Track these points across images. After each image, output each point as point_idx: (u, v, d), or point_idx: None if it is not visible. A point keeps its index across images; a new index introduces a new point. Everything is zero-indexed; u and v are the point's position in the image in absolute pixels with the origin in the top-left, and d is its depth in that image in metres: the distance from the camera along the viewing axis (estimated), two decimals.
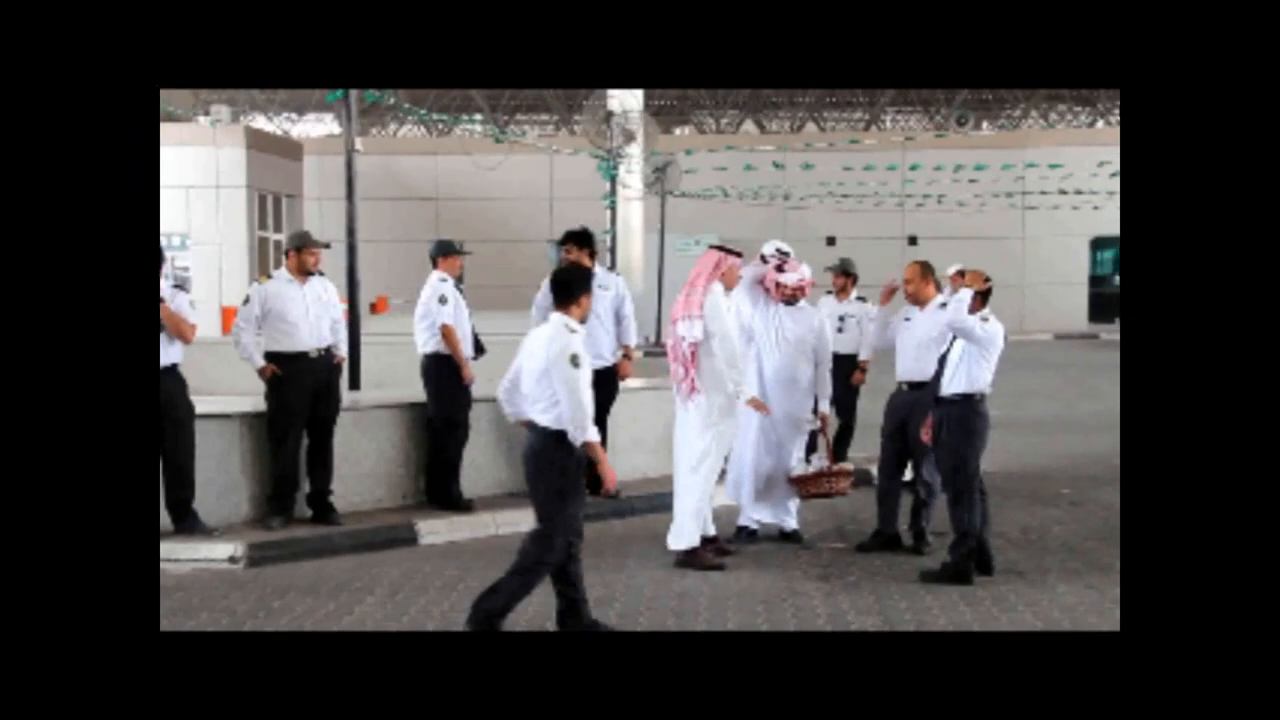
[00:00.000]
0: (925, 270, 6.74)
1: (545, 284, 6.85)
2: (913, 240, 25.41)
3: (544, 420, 4.77)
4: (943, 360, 6.08)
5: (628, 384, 8.50)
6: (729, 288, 6.37)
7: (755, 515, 6.81)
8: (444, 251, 7.25)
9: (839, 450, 8.27)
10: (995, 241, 24.82)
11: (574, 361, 4.71)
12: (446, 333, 7.05)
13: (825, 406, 6.83)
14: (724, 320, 6.18)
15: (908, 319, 6.74)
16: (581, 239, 7.42)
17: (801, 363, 6.74)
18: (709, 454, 6.22)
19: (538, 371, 4.80)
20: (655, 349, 20.66)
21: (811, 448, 7.24)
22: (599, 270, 7.48)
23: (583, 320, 4.93)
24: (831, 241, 24.33)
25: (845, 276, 8.75)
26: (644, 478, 8.18)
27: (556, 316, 4.92)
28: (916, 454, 6.64)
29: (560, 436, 4.72)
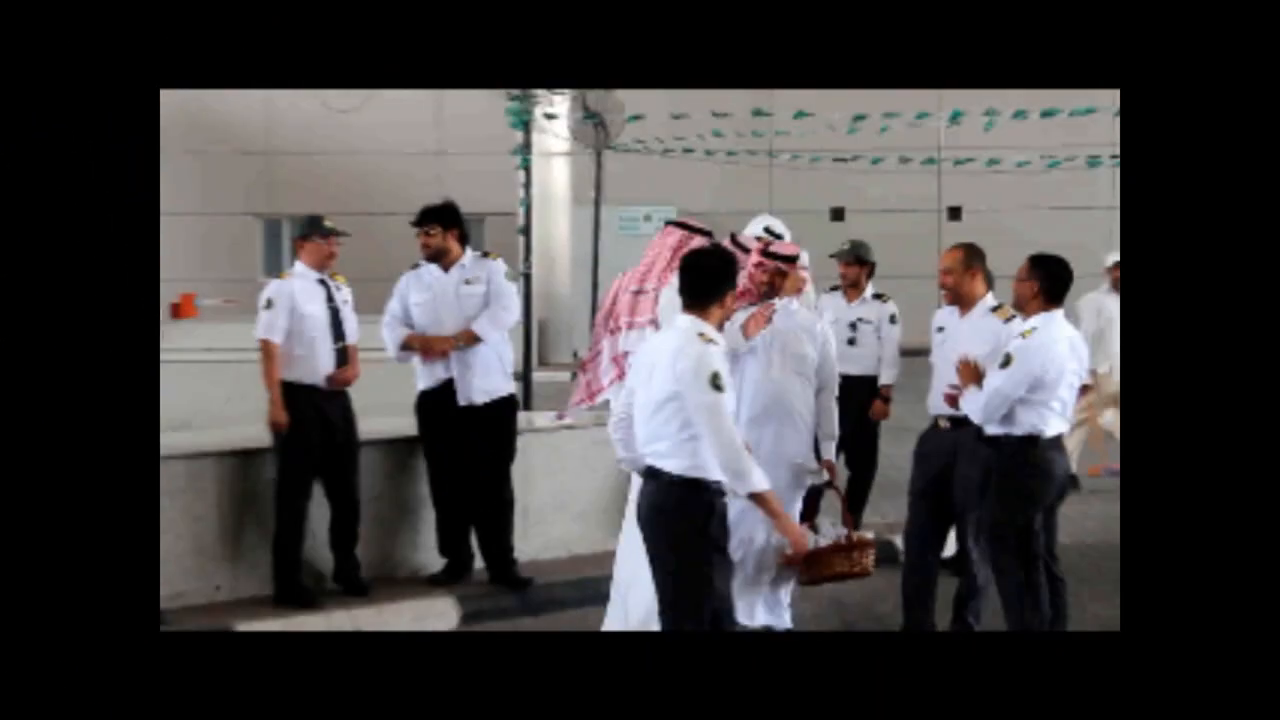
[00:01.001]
0: (971, 257, 6.51)
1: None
2: (954, 213, 25.26)
3: (670, 465, 4.80)
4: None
5: (542, 421, 8.54)
6: None
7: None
8: (302, 233, 7.26)
9: (852, 516, 8.13)
10: (1075, 213, 24.74)
11: (715, 383, 4.74)
12: (264, 352, 7.01)
13: (831, 451, 6.71)
14: None
15: (941, 328, 6.65)
16: (445, 217, 7.47)
17: (796, 389, 6.59)
18: None
19: (659, 399, 4.82)
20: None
21: (812, 509, 7.16)
22: (469, 256, 7.49)
23: (721, 325, 4.91)
24: (838, 215, 23.82)
25: (858, 265, 8.69)
26: (569, 555, 8.22)
27: (685, 321, 4.92)
28: (961, 518, 6.52)
29: (695, 487, 4.76)
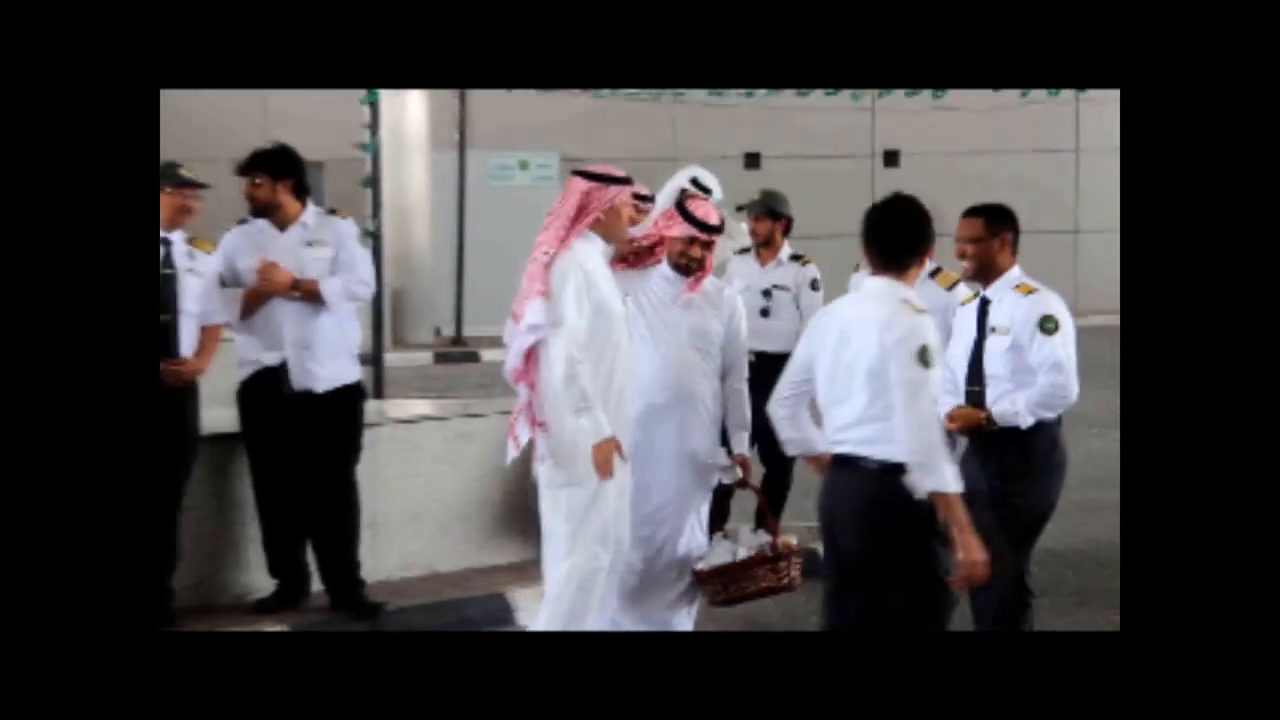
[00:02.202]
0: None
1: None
2: (890, 158, 25.37)
3: (875, 451, 4.94)
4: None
5: (396, 411, 8.60)
6: (614, 242, 6.30)
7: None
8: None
9: (774, 505, 8.28)
10: (1038, 157, 24.74)
11: (924, 358, 4.89)
12: None
13: (744, 444, 6.69)
14: (571, 301, 6.01)
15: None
16: (275, 165, 7.32)
17: (699, 371, 6.58)
18: (581, 537, 6.07)
19: (859, 374, 4.96)
20: (455, 348, 20.63)
21: (722, 514, 7.19)
22: (311, 213, 7.37)
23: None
24: (753, 162, 24.11)
25: (771, 220, 8.67)
26: (429, 573, 8.19)
27: (882, 286, 5.06)
28: None
29: (905, 475, 4.89)
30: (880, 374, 4.92)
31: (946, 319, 6.42)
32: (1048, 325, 6.00)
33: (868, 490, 4.96)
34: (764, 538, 6.38)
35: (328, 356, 7.30)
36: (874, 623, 5.00)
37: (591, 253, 6.14)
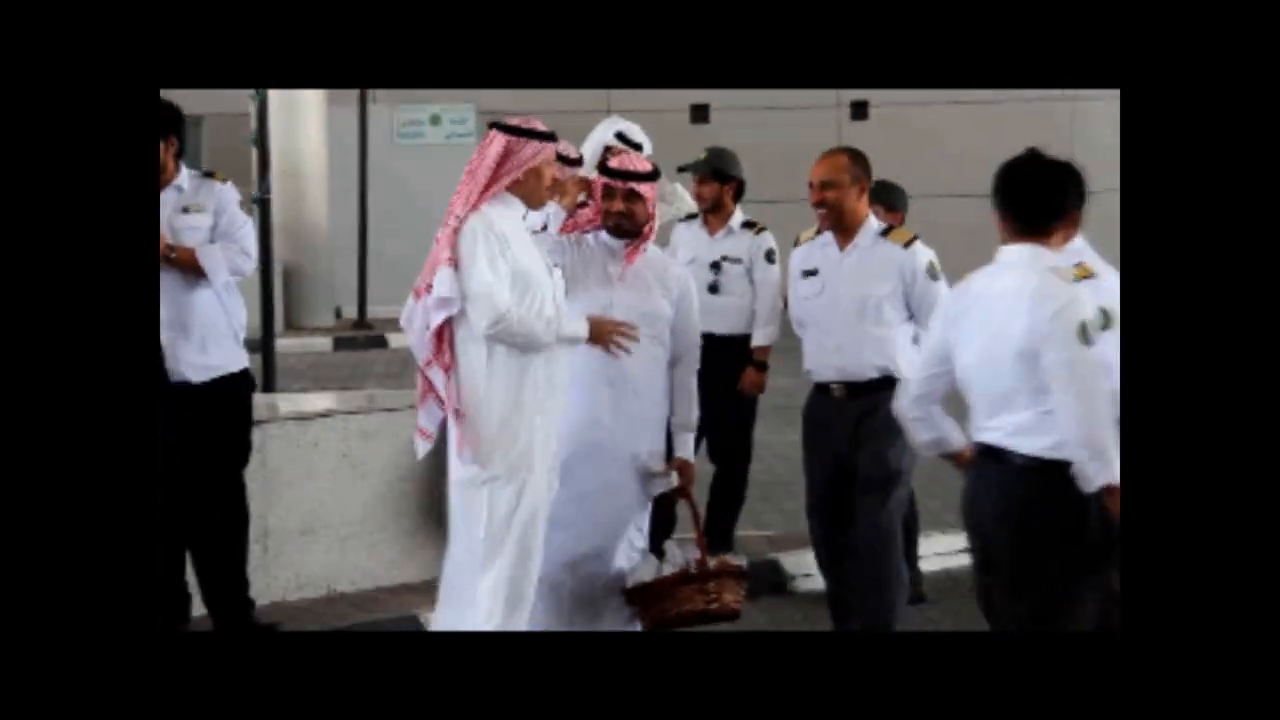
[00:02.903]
0: (857, 166, 6.81)
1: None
2: (858, 110, 25.20)
3: (1025, 445, 5.02)
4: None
5: (290, 405, 8.47)
6: (535, 206, 6.33)
7: None
8: None
9: (720, 529, 8.41)
10: (1029, 105, 24.23)
11: (1084, 335, 4.99)
12: None
13: (688, 446, 6.70)
14: (485, 266, 5.99)
15: (811, 271, 6.92)
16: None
17: (646, 360, 6.53)
18: (507, 542, 6.08)
19: (1005, 357, 5.04)
20: (358, 331, 20.50)
21: (665, 527, 7.25)
22: (185, 176, 7.27)
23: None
24: (700, 114, 24.22)
25: (718, 182, 8.64)
26: (328, 593, 8.15)
27: (1023, 254, 5.14)
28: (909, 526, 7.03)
29: (1064, 473, 4.97)
30: (1031, 356, 4.98)
31: (904, 280, 6.71)
32: (1104, 321, 6.12)
33: (1015, 488, 5.04)
34: (692, 554, 6.42)
35: (209, 341, 7.21)
36: (1026, 625, 5.12)
37: (507, 216, 6.10)
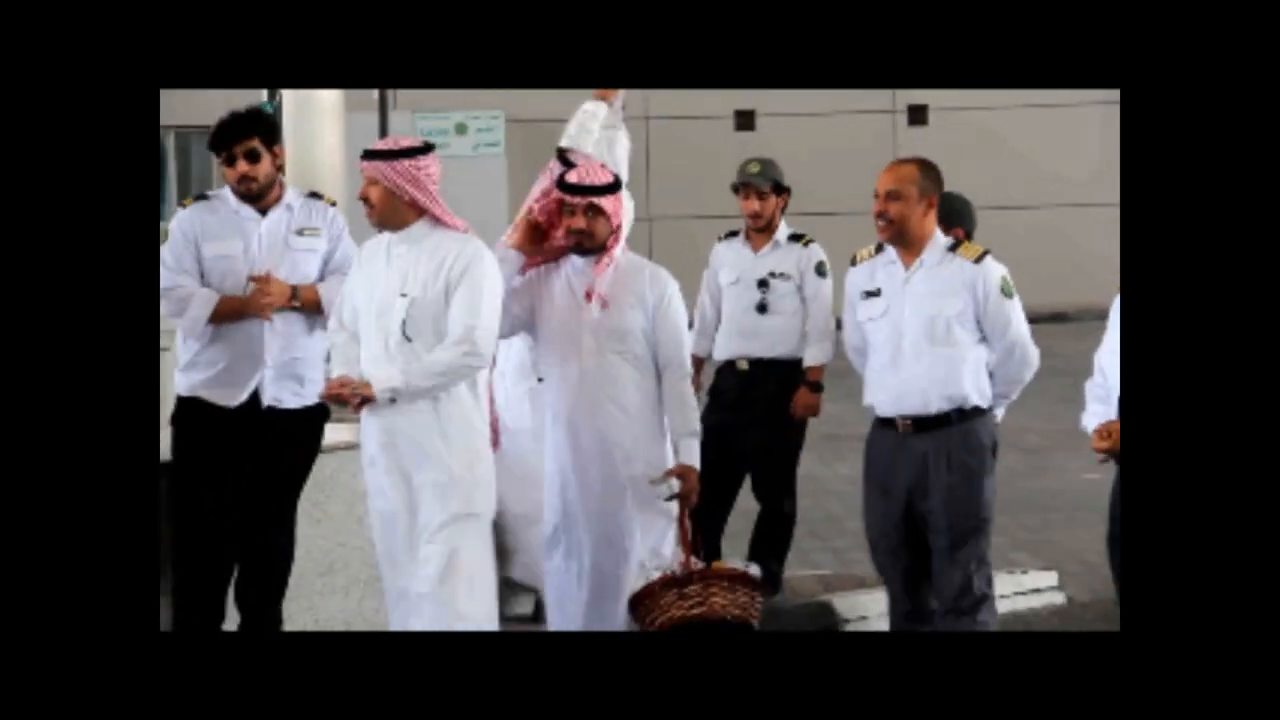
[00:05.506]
0: (927, 178, 6.82)
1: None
2: (917, 114, 24.83)
3: None
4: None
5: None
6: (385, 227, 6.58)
7: None
8: None
9: (767, 570, 8.18)
10: (1088, 111, 23.39)
11: None
12: None
13: (693, 452, 6.78)
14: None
15: (874, 292, 6.87)
16: (270, 128, 7.26)
17: (625, 381, 6.71)
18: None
19: None
20: None
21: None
22: (292, 194, 7.18)
23: None
24: (746, 122, 24.14)
25: (771, 196, 8.56)
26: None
27: None
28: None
29: None
30: None
31: (976, 297, 6.70)
32: None
33: None
34: (674, 556, 6.66)
35: (307, 376, 7.19)
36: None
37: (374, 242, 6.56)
